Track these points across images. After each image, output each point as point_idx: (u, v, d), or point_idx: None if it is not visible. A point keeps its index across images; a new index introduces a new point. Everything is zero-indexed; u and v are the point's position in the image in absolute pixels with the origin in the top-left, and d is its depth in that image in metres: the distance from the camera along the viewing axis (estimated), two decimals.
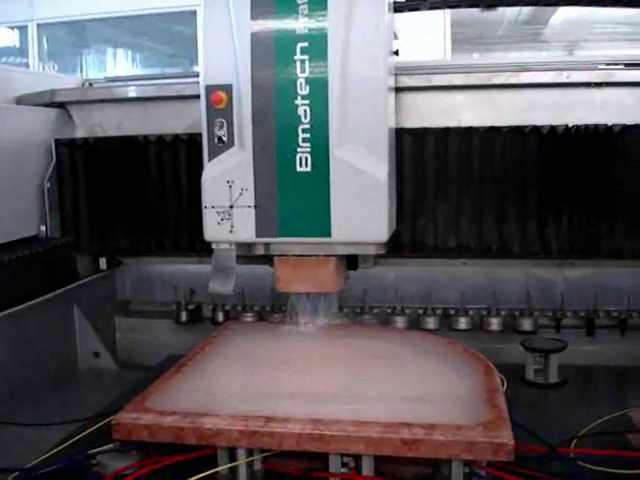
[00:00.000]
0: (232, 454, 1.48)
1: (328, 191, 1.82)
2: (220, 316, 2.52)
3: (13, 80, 2.53)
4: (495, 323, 2.37)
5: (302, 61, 1.79)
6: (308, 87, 1.79)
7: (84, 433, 1.72)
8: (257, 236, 1.87)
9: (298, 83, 1.79)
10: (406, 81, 2.25)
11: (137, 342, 2.61)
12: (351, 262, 1.99)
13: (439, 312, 2.40)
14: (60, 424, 1.87)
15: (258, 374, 1.72)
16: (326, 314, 1.98)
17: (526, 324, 2.38)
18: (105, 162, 2.46)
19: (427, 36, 4.72)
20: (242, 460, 1.46)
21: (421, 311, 2.41)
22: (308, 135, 1.80)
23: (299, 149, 1.81)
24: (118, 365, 2.53)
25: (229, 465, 1.46)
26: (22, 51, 7.97)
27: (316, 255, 1.88)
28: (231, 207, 1.86)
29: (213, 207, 1.87)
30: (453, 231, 2.30)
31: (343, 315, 2.18)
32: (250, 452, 1.47)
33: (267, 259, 1.94)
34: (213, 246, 1.91)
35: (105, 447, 1.57)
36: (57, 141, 2.47)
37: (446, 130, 2.27)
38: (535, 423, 1.66)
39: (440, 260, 2.37)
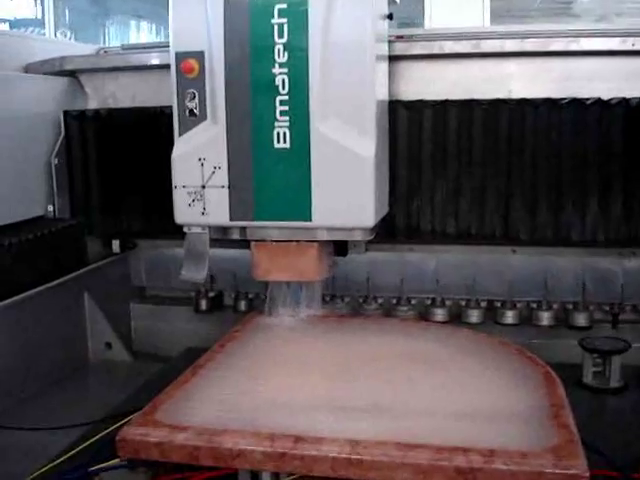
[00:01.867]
0: (255, 475, 1.30)
1: (309, 170, 1.66)
2: (242, 305, 2.34)
3: (22, 47, 2.32)
4: (546, 317, 2.12)
5: (280, 25, 1.62)
6: (286, 54, 1.63)
7: (88, 442, 1.50)
8: (231, 219, 1.73)
9: (276, 49, 1.63)
10: (452, 47, 1.98)
11: (153, 331, 2.42)
12: (340, 248, 1.86)
13: (483, 304, 2.18)
14: (64, 428, 1.70)
15: (285, 379, 1.53)
16: (309, 305, 1.85)
17: (580, 319, 2.16)
18: (118, 136, 2.24)
19: (465, 7, 4.42)
20: None
21: (463, 303, 2.20)
22: (286, 108, 1.65)
23: (277, 123, 1.66)
24: (132, 357, 2.36)
25: None
26: (43, 23, 7.78)
27: (297, 241, 1.74)
28: (203, 187, 1.72)
29: (184, 187, 1.73)
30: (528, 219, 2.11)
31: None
32: (276, 474, 1.28)
33: (245, 243, 1.78)
34: (185, 229, 1.77)
35: (110, 463, 1.35)
36: (66, 113, 2.27)
37: (496, 102, 2.07)
38: (597, 436, 1.44)
39: (486, 247, 2.13)
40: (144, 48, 2.61)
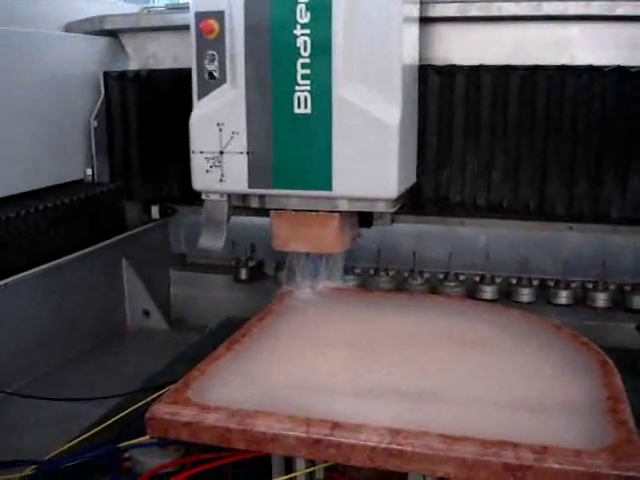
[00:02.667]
0: (289, 460, 1.25)
1: (330, 137, 1.60)
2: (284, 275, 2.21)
3: (64, 6, 2.26)
4: (602, 298, 2.00)
5: None
6: (309, 14, 1.56)
7: (119, 416, 1.45)
8: (250, 187, 1.69)
9: (298, 9, 1.56)
10: (511, 9, 1.85)
11: (192, 300, 2.37)
12: (364, 218, 1.80)
13: (536, 283, 2.06)
14: (96, 399, 1.66)
15: (324, 359, 1.46)
16: (330, 278, 1.81)
17: (638, 301, 2.04)
18: (159, 98, 2.18)
19: None
20: (301, 471, 1.17)
21: (514, 281, 2.09)
22: (308, 71, 1.59)
23: (297, 87, 1.60)
24: (170, 325, 2.31)
25: (286, 478, 1.21)
26: None
27: (317, 211, 1.69)
28: (221, 153, 1.68)
29: (202, 152, 1.69)
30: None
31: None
32: (311, 461, 1.22)
33: (265, 211, 1.75)
34: (203, 196, 1.75)
35: (140, 440, 1.30)
36: (106, 74, 2.20)
37: (534, 68, 1.95)
38: None
39: (541, 223, 2.00)
40: (188, 8, 2.51)
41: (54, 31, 2.12)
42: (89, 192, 2.05)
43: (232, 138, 1.65)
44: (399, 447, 1.12)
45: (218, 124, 1.66)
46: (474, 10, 1.95)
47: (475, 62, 1.94)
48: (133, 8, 2.54)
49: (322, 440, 1.14)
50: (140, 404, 1.50)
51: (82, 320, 1.99)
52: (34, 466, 1.32)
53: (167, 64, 2.23)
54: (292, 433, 1.16)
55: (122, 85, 2.20)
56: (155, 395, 1.53)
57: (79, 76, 2.14)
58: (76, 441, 1.40)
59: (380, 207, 1.67)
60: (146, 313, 2.25)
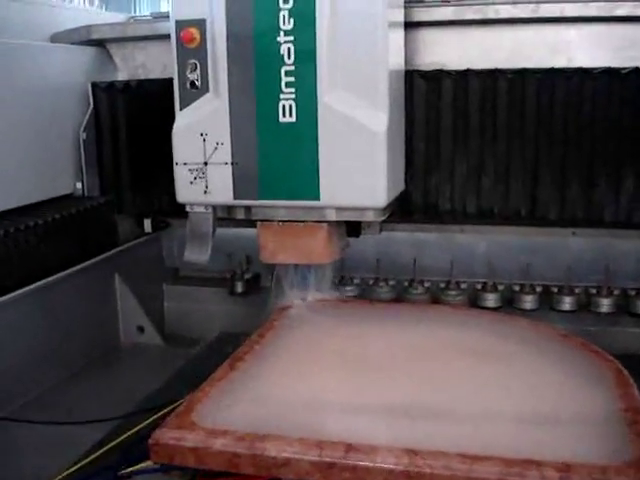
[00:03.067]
0: None
1: (316, 146, 1.58)
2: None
3: (48, 16, 2.21)
4: (606, 304, 1.96)
5: None
6: (292, 20, 1.54)
7: (118, 440, 1.39)
8: (235, 198, 1.66)
9: (281, 16, 1.54)
10: (510, 10, 1.82)
11: (186, 314, 2.32)
12: (352, 228, 1.78)
13: (539, 289, 2.02)
14: (92, 422, 1.58)
15: (331, 376, 1.41)
16: (318, 289, 1.78)
17: None
18: (149, 108, 2.12)
19: None
20: None
21: (517, 288, 2.05)
22: (292, 79, 1.56)
23: (282, 95, 1.57)
24: (165, 341, 2.25)
25: None
26: None
27: (304, 221, 1.66)
28: (205, 164, 1.65)
29: (185, 164, 1.66)
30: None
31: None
32: None
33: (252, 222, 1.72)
34: (187, 209, 1.71)
35: (142, 465, 1.24)
36: (94, 85, 2.15)
37: (522, 72, 1.92)
38: None
39: (542, 229, 1.99)
40: None
41: (39, 42, 2.05)
42: (80, 207, 1.99)
43: (216, 149, 1.63)
44: (417, 469, 1.07)
45: (201, 134, 1.63)
46: (470, 13, 1.90)
47: (470, 66, 1.92)
48: (117, 17, 2.49)
49: (336, 464, 1.10)
50: (140, 427, 1.44)
51: (75, 339, 1.94)
52: None
53: (156, 74, 2.18)
54: (304, 457, 1.11)
55: (111, 96, 2.16)
56: (155, 417, 1.48)
57: (67, 87, 2.09)
58: (73, 469, 1.33)
59: (369, 216, 1.65)
60: (140, 329, 2.20)
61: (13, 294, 1.71)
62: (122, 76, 2.26)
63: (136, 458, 1.32)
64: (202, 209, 1.71)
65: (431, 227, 2.08)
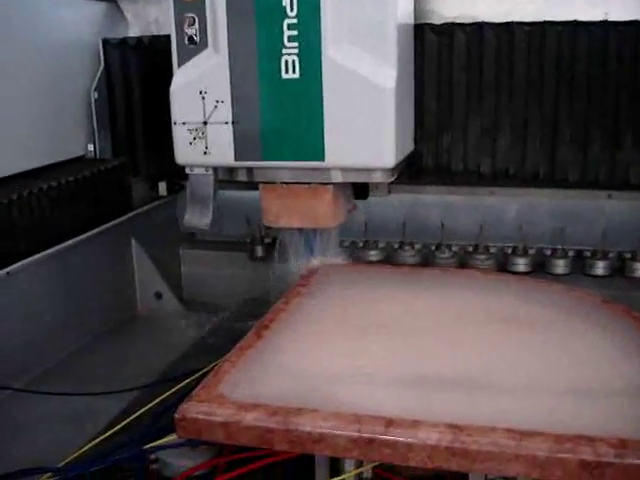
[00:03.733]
0: (334, 459, 1.16)
1: (321, 104, 1.51)
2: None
3: None
4: None
5: None
6: None
7: (142, 410, 1.33)
8: (236, 159, 1.59)
9: None
10: None
11: (205, 280, 2.26)
12: (359, 190, 1.72)
13: (571, 254, 1.95)
14: (112, 393, 1.56)
15: (363, 345, 1.33)
16: (323, 253, 1.72)
17: None
18: (163, 66, 2.00)
19: None
20: (351, 472, 1.06)
21: (549, 252, 1.99)
22: (295, 32, 1.49)
23: (284, 50, 1.50)
24: (183, 307, 2.20)
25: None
26: None
27: (309, 183, 1.60)
28: (205, 123, 1.59)
29: (184, 123, 1.60)
30: None
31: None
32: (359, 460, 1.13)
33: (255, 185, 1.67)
34: (187, 170, 1.66)
35: (168, 440, 1.18)
36: (105, 41, 2.07)
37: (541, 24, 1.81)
38: None
39: (578, 191, 1.93)
40: None
41: None
42: (92, 169, 1.92)
43: (216, 107, 1.56)
44: (463, 445, 1.01)
45: (200, 92, 1.57)
46: None
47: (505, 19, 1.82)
48: None
49: (376, 439, 1.03)
50: (162, 397, 1.39)
51: (91, 306, 1.90)
52: (48, 475, 1.21)
53: (169, 29, 2.06)
54: (342, 432, 1.04)
55: (123, 53, 2.08)
56: (178, 387, 1.41)
57: (77, 44, 2.01)
58: (96, 441, 1.27)
59: (376, 177, 1.58)
60: (158, 295, 2.16)
61: (27, 260, 1.64)
62: (134, 32, 2.18)
63: (161, 431, 1.26)
64: (202, 171, 1.65)
65: (460, 190, 2.00)
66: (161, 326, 2.05)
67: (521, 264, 1.97)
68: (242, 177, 1.63)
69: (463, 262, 2.00)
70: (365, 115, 1.48)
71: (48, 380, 1.65)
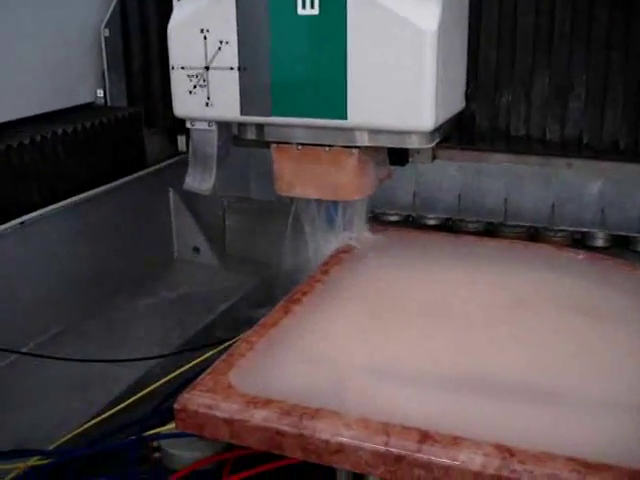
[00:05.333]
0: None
1: (344, 47, 1.28)
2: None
3: None
4: None
5: None
6: None
7: (151, 388, 1.19)
8: (243, 113, 1.39)
9: None
10: None
11: (248, 236, 2.08)
12: (395, 154, 1.48)
13: None
14: (132, 361, 1.46)
15: (406, 331, 1.17)
16: (346, 228, 1.48)
17: None
18: None
19: None
20: None
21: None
22: None
23: None
24: (224, 264, 2.06)
25: None
26: None
27: (330, 145, 1.38)
28: (206, 69, 1.37)
29: (183, 68, 1.40)
30: None
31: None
32: None
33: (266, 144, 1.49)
34: (187, 125, 1.46)
35: (170, 428, 1.13)
36: None
37: None
38: None
39: None
40: None
41: None
42: (101, 118, 1.79)
43: (219, 49, 1.36)
44: (513, 475, 0.82)
45: (202, 31, 1.37)
46: None
47: None
48: None
49: (406, 457, 0.90)
50: (176, 374, 1.25)
51: (119, 262, 1.82)
52: (37, 457, 1.15)
53: None
54: (365, 444, 0.91)
55: None
56: (197, 361, 1.25)
57: None
58: (97, 419, 1.15)
59: (412, 142, 1.35)
60: (196, 250, 2.06)
61: (43, 210, 1.54)
62: None
63: (166, 414, 1.12)
64: (204, 125, 1.45)
65: (531, 159, 1.78)
66: (198, 284, 1.94)
67: (599, 238, 1.77)
68: (251, 135, 1.44)
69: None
70: (399, 63, 1.26)
71: (63, 341, 1.60)
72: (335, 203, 1.48)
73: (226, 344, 1.32)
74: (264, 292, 1.69)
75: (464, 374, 1.05)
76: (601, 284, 1.34)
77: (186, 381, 1.23)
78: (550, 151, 1.72)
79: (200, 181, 1.48)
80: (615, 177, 1.75)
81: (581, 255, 1.54)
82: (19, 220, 1.49)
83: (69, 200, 1.62)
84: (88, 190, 1.69)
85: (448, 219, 1.88)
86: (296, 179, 1.45)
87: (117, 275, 1.79)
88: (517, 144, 1.73)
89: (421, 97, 1.27)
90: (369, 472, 0.92)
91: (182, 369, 1.30)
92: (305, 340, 1.14)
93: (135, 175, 1.81)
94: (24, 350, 1.52)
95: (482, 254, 1.48)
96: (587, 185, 1.78)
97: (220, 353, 1.16)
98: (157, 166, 1.89)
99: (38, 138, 1.57)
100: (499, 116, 1.72)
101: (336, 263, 1.42)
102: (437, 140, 1.38)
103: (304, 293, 1.29)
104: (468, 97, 1.52)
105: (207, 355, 1.31)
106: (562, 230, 1.80)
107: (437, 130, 1.33)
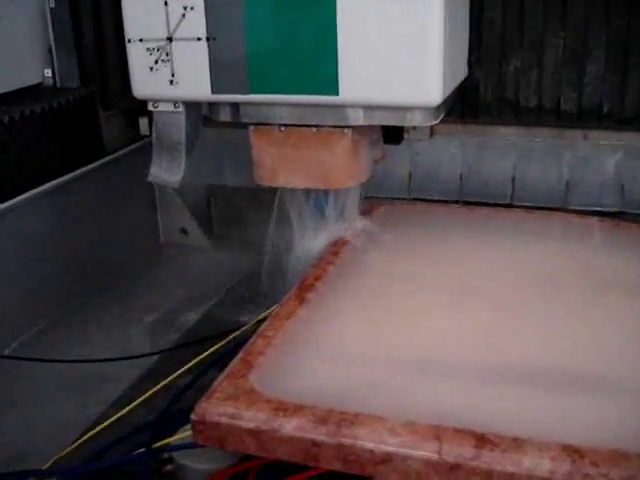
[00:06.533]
0: None
1: (333, 11, 1.12)
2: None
3: None
4: None
5: None
6: None
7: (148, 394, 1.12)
8: (215, 91, 1.23)
9: None
10: None
11: (237, 214, 1.96)
12: (389, 132, 1.36)
13: None
14: (128, 359, 1.35)
15: (429, 313, 1.08)
16: (338, 218, 1.35)
17: None
18: None
19: None
20: None
21: None
22: None
23: None
24: (213, 244, 1.96)
25: None
26: None
27: (317, 126, 1.24)
28: (169, 40, 1.21)
29: (141, 40, 1.24)
30: None
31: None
32: None
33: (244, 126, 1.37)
34: (149, 107, 1.31)
35: (183, 437, 1.00)
36: None
37: None
38: None
39: None
40: None
41: None
42: (51, 102, 1.64)
43: (184, 17, 1.20)
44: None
45: None
46: None
47: None
48: None
49: (462, 466, 0.81)
50: (180, 372, 1.18)
51: (102, 248, 1.73)
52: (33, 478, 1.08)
53: None
54: (416, 453, 0.82)
55: None
56: (203, 355, 1.20)
57: None
58: (91, 433, 1.12)
59: (415, 119, 1.21)
60: (183, 231, 1.98)
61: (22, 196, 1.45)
62: None
63: (175, 419, 1.11)
64: (170, 107, 1.29)
65: (542, 132, 1.68)
66: (187, 269, 1.87)
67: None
68: (225, 116, 1.30)
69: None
70: (400, 29, 1.12)
71: (52, 336, 1.51)
72: (326, 192, 1.34)
73: (238, 332, 1.25)
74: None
75: (507, 363, 0.98)
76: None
77: (195, 378, 1.15)
78: (565, 123, 1.64)
79: (167, 172, 1.30)
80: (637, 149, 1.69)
81: (611, 224, 1.45)
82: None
83: (48, 185, 1.53)
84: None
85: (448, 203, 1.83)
86: (279, 166, 1.30)
87: (104, 262, 1.72)
88: (527, 116, 1.65)
89: (426, 67, 1.14)
90: None
91: (190, 364, 1.20)
92: (327, 333, 1.07)
93: (112, 156, 1.70)
94: (6, 351, 1.46)
95: (498, 226, 1.42)
96: (605, 160, 1.68)
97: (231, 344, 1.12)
98: (136, 144, 1.77)
99: None
100: (507, 85, 1.63)
101: (344, 243, 1.32)
102: (442, 116, 1.27)
103: (316, 278, 1.21)
104: (471, 64, 1.46)
105: (216, 347, 1.22)
106: (577, 211, 1.73)
107: (442, 104, 1.22)
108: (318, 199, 1.36)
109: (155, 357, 1.37)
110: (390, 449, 0.82)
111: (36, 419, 1.27)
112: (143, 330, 1.56)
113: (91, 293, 1.67)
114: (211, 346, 1.25)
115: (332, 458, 0.85)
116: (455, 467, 0.80)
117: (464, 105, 1.61)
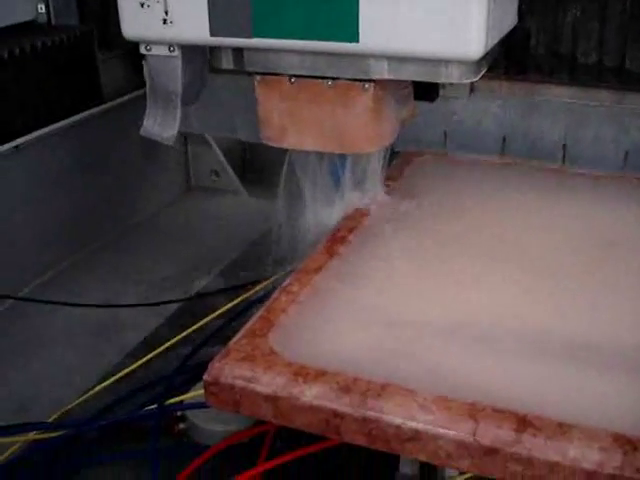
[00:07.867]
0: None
1: None
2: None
3: None
4: None
5: None
6: None
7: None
8: (214, 33, 1.09)
9: None
10: None
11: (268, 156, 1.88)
12: (422, 87, 1.19)
13: None
14: (150, 305, 1.30)
15: (474, 276, 0.99)
16: (353, 186, 1.21)
17: None
18: None
19: None
20: None
21: None
22: None
23: None
24: (245, 187, 1.87)
25: None
26: None
27: (334, 78, 1.10)
28: None
29: None
30: None
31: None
32: None
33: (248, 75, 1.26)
34: (141, 50, 1.17)
35: (196, 395, 0.96)
36: None
37: None
38: None
39: None
40: None
41: None
42: (44, 40, 1.56)
43: None
44: (638, 476, 0.65)
45: None
46: None
47: None
48: None
49: (500, 451, 0.74)
50: (207, 320, 1.11)
51: (128, 189, 1.68)
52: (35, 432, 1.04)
53: None
54: (449, 432, 0.76)
55: None
56: (229, 305, 1.15)
57: None
58: (118, 376, 1.10)
59: (450, 75, 1.05)
60: (215, 173, 1.88)
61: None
62: None
63: (192, 374, 0.97)
64: (165, 50, 1.16)
65: (601, 94, 1.56)
66: (219, 210, 1.80)
67: None
68: (226, 63, 1.18)
69: None
70: None
71: (72, 277, 1.48)
72: (342, 157, 1.21)
73: (265, 283, 1.20)
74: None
75: (555, 338, 0.90)
76: None
77: (217, 330, 1.12)
78: (628, 85, 1.56)
79: (161, 125, 1.16)
80: None
81: None
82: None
83: (65, 122, 1.49)
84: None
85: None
86: (289, 124, 1.16)
87: (130, 205, 1.70)
88: (585, 75, 1.55)
89: (467, 12, 0.97)
90: (452, 466, 0.77)
91: (212, 315, 1.14)
92: (357, 293, 0.98)
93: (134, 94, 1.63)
94: (20, 294, 1.45)
95: (555, 186, 1.30)
96: None
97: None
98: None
99: None
100: (562, 38, 1.53)
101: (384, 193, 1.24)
102: (483, 71, 1.13)
103: (350, 230, 1.13)
104: (522, 12, 1.33)
105: (241, 299, 1.15)
106: None
107: (484, 58, 1.07)
108: (333, 165, 1.24)
109: (178, 305, 1.35)
110: (419, 426, 0.77)
111: (49, 366, 1.23)
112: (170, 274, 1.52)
113: (118, 235, 1.61)
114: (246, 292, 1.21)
115: (355, 432, 0.81)
116: (491, 451, 0.75)
117: (510, 59, 1.53)
